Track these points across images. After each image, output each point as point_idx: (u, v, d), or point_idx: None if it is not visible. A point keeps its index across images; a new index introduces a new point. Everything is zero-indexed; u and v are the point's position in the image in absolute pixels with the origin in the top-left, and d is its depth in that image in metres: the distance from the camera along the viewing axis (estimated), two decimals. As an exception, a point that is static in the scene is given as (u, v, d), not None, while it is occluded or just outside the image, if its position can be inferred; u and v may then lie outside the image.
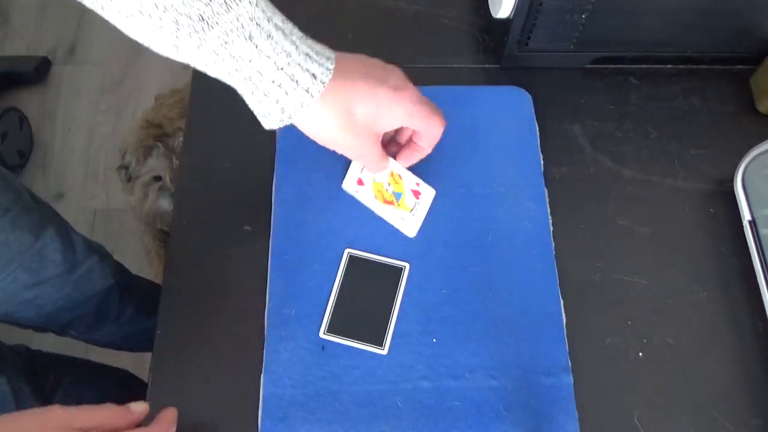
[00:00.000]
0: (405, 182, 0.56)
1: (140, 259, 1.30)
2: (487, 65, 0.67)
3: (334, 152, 0.49)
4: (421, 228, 0.56)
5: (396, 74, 0.48)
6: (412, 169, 0.56)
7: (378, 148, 0.50)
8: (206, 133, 0.62)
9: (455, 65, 0.66)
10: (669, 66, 0.66)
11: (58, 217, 0.80)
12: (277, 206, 0.58)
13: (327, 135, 0.46)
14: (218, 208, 0.59)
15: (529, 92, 0.63)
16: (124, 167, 1.13)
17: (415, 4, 0.70)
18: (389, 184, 0.56)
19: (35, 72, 1.60)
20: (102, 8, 0.38)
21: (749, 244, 0.55)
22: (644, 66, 0.66)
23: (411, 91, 0.47)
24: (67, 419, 0.38)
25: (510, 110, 0.62)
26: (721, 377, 0.52)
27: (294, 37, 0.41)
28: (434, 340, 0.52)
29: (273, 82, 0.41)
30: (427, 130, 0.50)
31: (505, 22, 0.61)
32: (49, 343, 1.08)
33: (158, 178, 1.08)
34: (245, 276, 0.55)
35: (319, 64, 0.42)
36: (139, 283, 1.02)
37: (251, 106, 0.44)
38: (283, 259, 0.55)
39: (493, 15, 0.61)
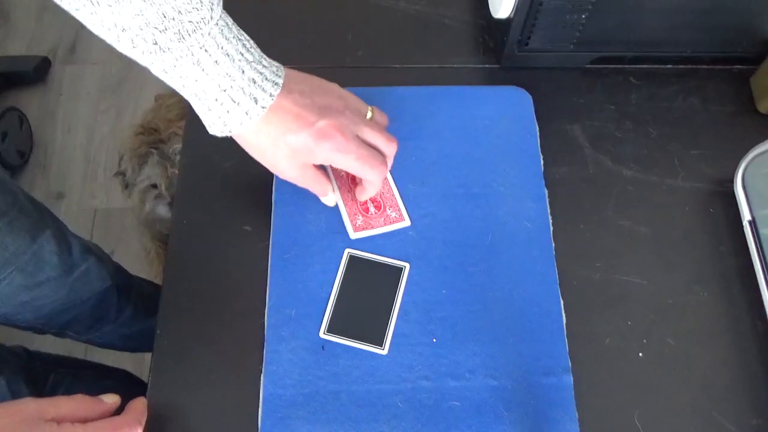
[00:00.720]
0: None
1: (140, 260, 1.30)
2: (487, 65, 0.67)
3: None
4: (421, 228, 0.56)
5: (333, 112, 0.49)
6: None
7: (311, 174, 0.52)
8: (206, 133, 0.62)
9: (455, 65, 0.66)
10: (669, 66, 0.66)
11: (55, 219, 0.80)
12: (277, 206, 0.57)
13: (259, 156, 0.50)
14: (218, 208, 0.59)
15: (529, 92, 0.63)
16: (121, 173, 1.13)
17: (415, 4, 0.70)
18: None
19: (35, 72, 1.60)
20: (76, 10, 0.40)
21: (749, 244, 0.55)
22: (644, 66, 0.66)
23: (337, 141, 0.48)
24: (39, 410, 0.39)
25: (510, 110, 0.62)
26: (721, 377, 0.52)
27: (242, 62, 0.45)
28: (434, 340, 0.52)
29: (216, 100, 0.45)
30: (357, 174, 0.52)
31: (505, 22, 0.61)
32: (48, 344, 1.09)
33: (155, 186, 1.08)
34: (245, 276, 0.55)
35: (263, 90, 0.46)
36: (138, 284, 1.01)
37: (198, 114, 0.48)
38: (283, 259, 0.55)
39: (493, 15, 0.61)
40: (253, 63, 0.45)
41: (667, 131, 0.63)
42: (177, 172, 0.72)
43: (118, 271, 0.94)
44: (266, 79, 0.46)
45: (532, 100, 0.63)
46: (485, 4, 0.64)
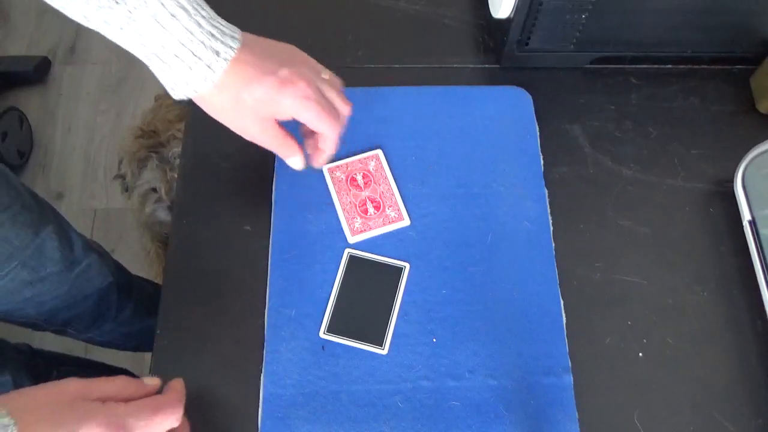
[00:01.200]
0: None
1: (140, 260, 1.30)
2: (487, 65, 0.67)
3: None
4: (421, 228, 0.56)
5: (295, 64, 0.49)
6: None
7: (274, 133, 0.50)
8: (206, 133, 0.62)
9: (455, 65, 0.66)
10: (669, 66, 0.66)
11: (57, 216, 0.80)
12: (277, 206, 0.57)
13: (223, 116, 0.49)
14: (218, 208, 0.59)
15: (529, 92, 0.63)
16: (121, 176, 1.12)
17: (415, 4, 0.70)
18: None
19: (35, 72, 1.60)
20: None
21: (749, 244, 0.55)
22: (644, 66, 0.66)
23: (300, 87, 0.48)
24: (83, 390, 0.39)
25: (510, 110, 0.62)
26: (721, 377, 0.52)
27: (199, 17, 0.44)
28: (434, 340, 0.52)
29: (176, 56, 0.44)
30: (315, 126, 0.50)
31: (505, 22, 0.61)
32: (48, 343, 1.09)
33: (155, 190, 1.08)
34: (245, 276, 0.55)
35: (223, 43, 0.45)
36: (138, 283, 1.02)
37: (159, 78, 0.47)
38: (283, 259, 0.55)
39: (493, 15, 0.61)
40: (209, 18, 0.45)
41: (667, 131, 0.63)
42: (176, 176, 0.72)
43: (119, 269, 0.95)
44: (224, 33, 0.46)
45: (532, 100, 0.63)
46: (485, 4, 0.64)
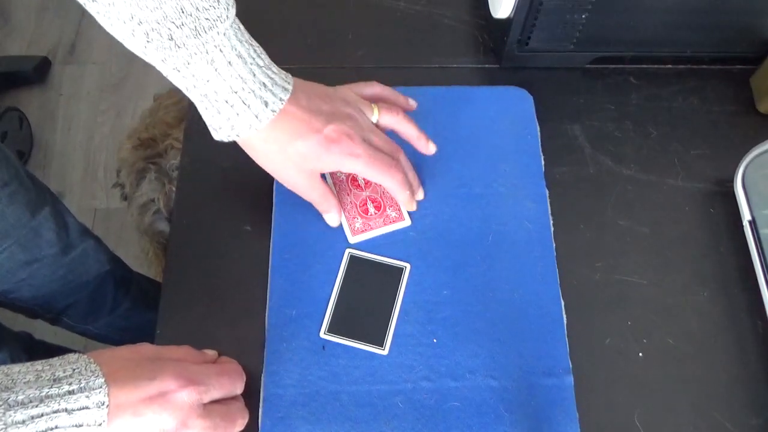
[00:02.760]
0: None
1: (140, 260, 1.30)
2: (487, 65, 0.67)
3: None
4: (422, 228, 0.56)
5: (343, 120, 0.49)
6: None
7: (317, 186, 0.52)
8: (206, 133, 0.62)
9: (455, 65, 0.66)
10: (669, 66, 0.66)
11: (55, 199, 0.81)
12: (277, 206, 0.58)
13: (267, 163, 0.50)
14: (218, 208, 0.59)
15: (529, 92, 0.63)
16: (120, 185, 1.12)
17: (415, 4, 0.70)
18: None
19: (35, 72, 1.60)
20: (92, 1, 0.41)
21: (749, 244, 0.55)
22: (644, 66, 0.66)
23: (345, 144, 0.48)
24: (157, 351, 0.43)
25: (511, 110, 0.62)
26: (721, 377, 0.52)
27: (254, 66, 0.45)
28: (435, 341, 0.52)
29: (226, 102, 0.45)
30: (372, 178, 0.51)
31: (505, 22, 0.61)
32: (49, 339, 1.09)
33: (154, 200, 1.08)
34: (245, 276, 0.55)
35: (273, 93, 0.46)
36: (137, 279, 1.02)
37: (205, 119, 0.48)
38: (283, 259, 0.55)
39: (493, 15, 0.61)
40: (263, 68, 0.45)
41: (667, 131, 0.63)
42: (174, 188, 0.72)
43: (117, 261, 0.95)
44: (276, 84, 0.46)
45: (532, 100, 0.63)
46: (485, 4, 0.64)
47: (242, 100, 0.45)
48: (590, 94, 0.65)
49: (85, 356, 0.39)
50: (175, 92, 1.14)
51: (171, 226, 0.58)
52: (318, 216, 0.57)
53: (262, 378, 0.51)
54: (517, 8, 0.58)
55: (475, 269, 0.55)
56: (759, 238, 0.54)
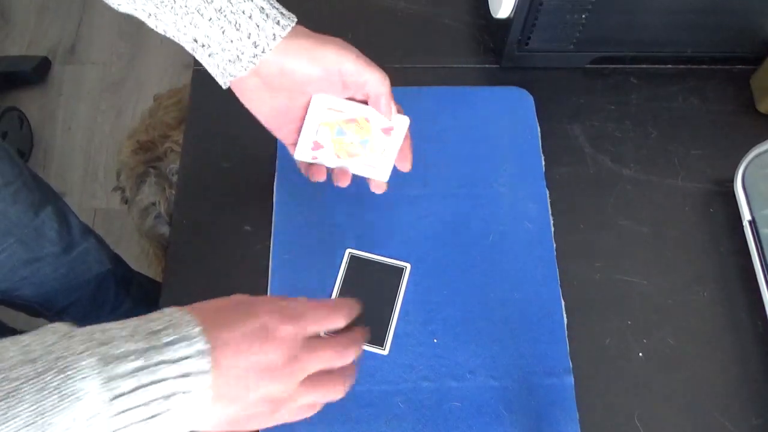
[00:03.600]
0: (373, 124, 0.51)
1: (140, 260, 1.30)
2: (487, 65, 0.67)
3: None
4: (422, 228, 0.56)
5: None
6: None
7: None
8: (206, 133, 0.62)
9: (455, 65, 0.66)
10: (669, 66, 0.66)
11: (57, 198, 0.81)
12: (277, 206, 0.58)
13: (299, 72, 0.46)
14: (218, 208, 0.59)
15: (529, 92, 0.63)
16: (120, 189, 1.12)
17: (415, 4, 0.70)
18: (355, 133, 0.51)
19: (35, 72, 1.60)
20: None
21: (749, 244, 0.55)
22: (644, 66, 0.66)
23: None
24: (248, 297, 0.41)
25: (512, 110, 0.62)
26: (721, 377, 0.52)
27: None
28: (435, 341, 0.52)
29: (244, 12, 0.43)
30: (371, 76, 0.48)
31: (505, 22, 0.61)
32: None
33: (155, 204, 1.08)
34: (245, 276, 0.55)
35: (285, 10, 0.45)
36: (138, 279, 1.02)
37: (220, 52, 0.45)
38: (283, 259, 0.55)
39: (493, 15, 0.61)
40: None
41: (667, 131, 0.63)
42: (175, 192, 0.72)
43: (118, 261, 0.95)
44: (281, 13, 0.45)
45: (533, 101, 0.63)
46: (485, 4, 0.64)
47: (260, 8, 0.43)
48: (590, 94, 0.65)
49: (178, 309, 0.38)
50: (175, 92, 1.14)
51: (171, 227, 0.58)
52: (318, 216, 0.57)
53: (263, 378, 0.51)
54: (517, 8, 0.58)
55: (475, 269, 0.55)
56: (759, 238, 0.54)
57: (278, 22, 0.44)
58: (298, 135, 0.50)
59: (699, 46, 0.64)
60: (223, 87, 0.47)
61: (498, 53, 0.66)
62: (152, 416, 0.33)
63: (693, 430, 0.51)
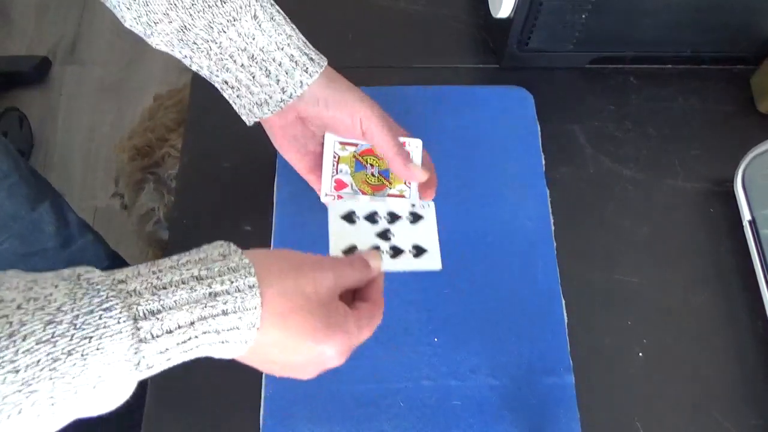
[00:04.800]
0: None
1: (139, 260, 1.30)
2: (487, 65, 0.67)
3: None
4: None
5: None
6: None
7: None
8: (206, 133, 0.62)
9: (455, 65, 0.66)
10: (669, 66, 0.66)
11: (55, 194, 0.82)
12: (277, 206, 0.58)
13: (318, 117, 0.47)
14: (218, 208, 0.59)
15: (529, 92, 0.63)
16: (119, 195, 1.12)
17: (415, 4, 0.70)
18: (372, 166, 0.51)
19: (35, 72, 1.60)
20: None
21: (749, 244, 0.55)
22: (644, 66, 0.66)
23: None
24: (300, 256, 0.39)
25: (512, 110, 0.62)
26: (721, 377, 0.52)
27: (292, 26, 0.46)
28: (435, 340, 0.52)
29: (274, 60, 0.45)
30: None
31: (505, 22, 0.61)
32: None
33: (154, 209, 1.07)
34: (246, 276, 0.55)
35: (315, 53, 0.46)
36: None
37: (246, 99, 0.46)
38: (283, 259, 0.55)
39: (493, 15, 0.61)
40: (296, 31, 0.46)
41: (667, 131, 0.63)
42: (173, 198, 0.72)
43: (116, 258, 0.95)
44: (309, 47, 0.47)
45: (533, 100, 0.63)
46: (485, 4, 0.64)
47: (289, 56, 0.45)
48: (590, 94, 0.65)
49: (246, 263, 0.34)
50: (176, 92, 1.14)
51: (170, 226, 0.58)
52: (318, 216, 0.56)
53: (263, 377, 0.51)
54: (517, 8, 0.58)
55: (476, 268, 0.55)
56: (759, 238, 0.54)
57: (306, 70, 0.45)
58: (308, 161, 0.50)
59: (699, 46, 0.64)
60: (248, 125, 0.48)
61: (498, 53, 0.66)
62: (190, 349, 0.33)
63: (693, 430, 0.51)
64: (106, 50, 1.64)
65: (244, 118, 0.48)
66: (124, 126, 1.55)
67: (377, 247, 0.46)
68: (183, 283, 0.32)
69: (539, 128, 0.62)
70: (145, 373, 0.32)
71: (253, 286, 0.34)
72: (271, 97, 0.46)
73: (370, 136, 0.48)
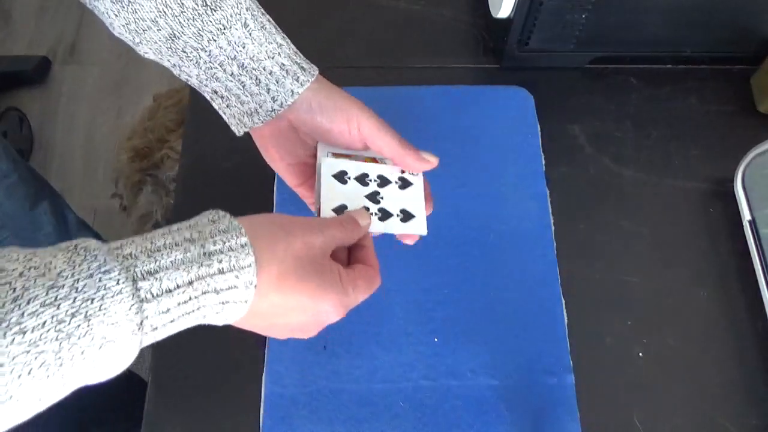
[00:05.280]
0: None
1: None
2: (487, 65, 0.67)
3: None
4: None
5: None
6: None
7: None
8: (206, 133, 0.62)
9: (455, 65, 0.66)
10: (669, 66, 0.66)
11: (54, 193, 0.82)
12: (277, 207, 0.58)
13: (308, 125, 0.46)
14: (218, 208, 0.58)
15: (529, 92, 0.63)
16: (119, 196, 1.12)
17: (415, 4, 0.70)
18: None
19: (35, 72, 1.60)
20: None
21: (749, 244, 0.55)
22: (644, 66, 0.66)
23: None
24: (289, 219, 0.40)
25: (511, 110, 0.62)
26: (721, 377, 0.52)
27: (283, 35, 0.45)
28: (435, 340, 0.52)
29: (264, 69, 0.44)
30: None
31: (505, 22, 0.61)
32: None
33: (153, 212, 1.08)
34: (246, 276, 0.55)
35: (306, 62, 0.46)
36: None
37: (236, 108, 0.46)
38: (283, 259, 0.55)
39: (493, 15, 0.61)
40: (287, 40, 0.46)
41: (667, 131, 0.63)
42: (172, 201, 0.72)
43: None
44: (300, 56, 0.46)
45: (533, 100, 0.63)
46: (485, 3, 0.64)
47: (280, 65, 0.44)
48: (590, 94, 0.65)
49: (236, 225, 0.35)
50: (175, 92, 1.15)
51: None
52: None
53: (263, 377, 0.51)
54: (517, 8, 0.58)
55: (475, 269, 0.55)
56: (759, 238, 0.54)
57: (297, 79, 0.45)
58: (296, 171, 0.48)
59: (698, 46, 0.64)
60: (237, 134, 0.47)
61: (498, 53, 0.66)
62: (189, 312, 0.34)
63: (693, 430, 0.51)
64: (106, 50, 1.64)
65: (233, 128, 0.47)
66: (124, 126, 1.55)
67: (367, 209, 0.46)
68: (176, 245, 0.33)
69: (539, 128, 0.62)
70: (151, 336, 0.33)
71: (245, 245, 0.34)
72: (261, 107, 0.45)
73: (370, 139, 0.47)
